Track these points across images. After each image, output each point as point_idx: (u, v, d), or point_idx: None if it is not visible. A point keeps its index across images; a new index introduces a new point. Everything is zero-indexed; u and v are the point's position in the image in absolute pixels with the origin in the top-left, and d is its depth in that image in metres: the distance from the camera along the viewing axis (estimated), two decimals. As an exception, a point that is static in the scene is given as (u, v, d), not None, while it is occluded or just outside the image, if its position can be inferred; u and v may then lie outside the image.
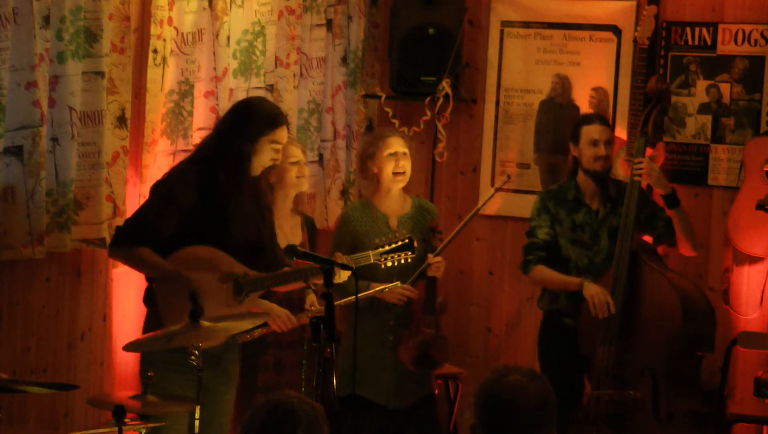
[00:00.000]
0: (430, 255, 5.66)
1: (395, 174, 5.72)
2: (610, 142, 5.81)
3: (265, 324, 5.20)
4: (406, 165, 5.74)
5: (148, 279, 4.91)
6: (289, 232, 5.40)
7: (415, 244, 5.23)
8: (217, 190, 4.84)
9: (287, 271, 4.98)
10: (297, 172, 5.52)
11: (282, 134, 4.96)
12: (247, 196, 4.92)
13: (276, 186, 5.48)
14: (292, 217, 5.57)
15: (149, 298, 4.88)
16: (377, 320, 5.73)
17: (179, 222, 4.79)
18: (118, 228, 4.99)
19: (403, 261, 5.22)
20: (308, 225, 5.62)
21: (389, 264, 5.22)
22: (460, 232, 5.93)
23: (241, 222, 4.88)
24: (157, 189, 4.89)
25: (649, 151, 5.81)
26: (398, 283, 5.66)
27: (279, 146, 4.95)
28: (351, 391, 5.68)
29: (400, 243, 5.19)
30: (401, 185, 5.77)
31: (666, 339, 5.53)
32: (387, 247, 5.17)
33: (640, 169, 5.65)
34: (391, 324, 5.73)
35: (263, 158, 4.92)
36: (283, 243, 5.31)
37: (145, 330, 4.90)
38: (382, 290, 5.61)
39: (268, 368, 5.45)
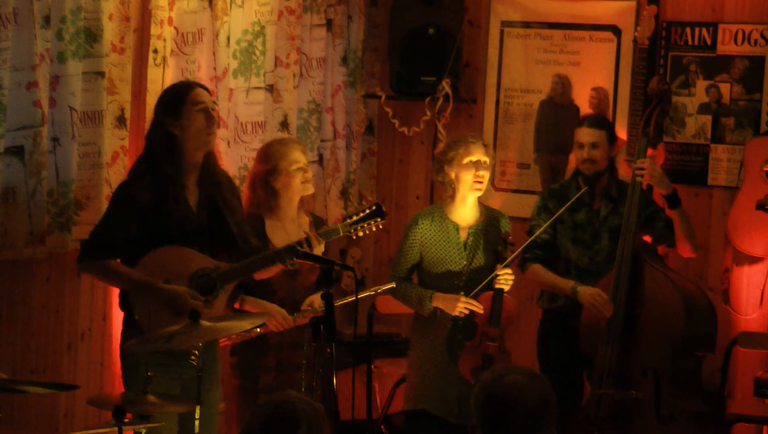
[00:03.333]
0: (498, 266, 5.54)
1: (474, 182, 5.62)
2: (597, 145, 5.73)
3: (263, 324, 5.20)
4: (486, 174, 5.62)
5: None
6: (294, 234, 5.38)
7: (384, 210, 5.09)
8: (166, 185, 4.78)
9: (259, 256, 4.91)
10: (302, 177, 5.49)
11: (200, 94, 4.87)
12: (191, 180, 4.87)
13: (280, 191, 5.46)
14: (300, 217, 5.55)
15: (125, 302, 4.86)
16: (445, 332, 5.67)
17: (142, 223, 4.75)
18: (83, 241, 4.91)
19: (374, 229, 5.08)
20: (317, 224, 5.60)
21: (360, 234, 5.09)
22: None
23: (187, 209, 4.83)
24: (114, 195, 4.86)
25: (650, 152, 5.81)
26: (392, 285, 5.64)
27: (204, 105, 4.85)
28: (419, 406, 5.66)
29: (368, 210, 5.05)
30: (478, 194, 5.66)
31: (668, 339, 5.53)
32: (355, 217, 5.04)
33: (642, 170, 5.63)
34: (459, 339, 5.65)
35: (196, 124, 4.81)
36: None
37: (124, 335, 4.86)
38: (376, 291, 5.59)
39: (270, 370, 5.43)
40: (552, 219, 5.72)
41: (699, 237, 6.10)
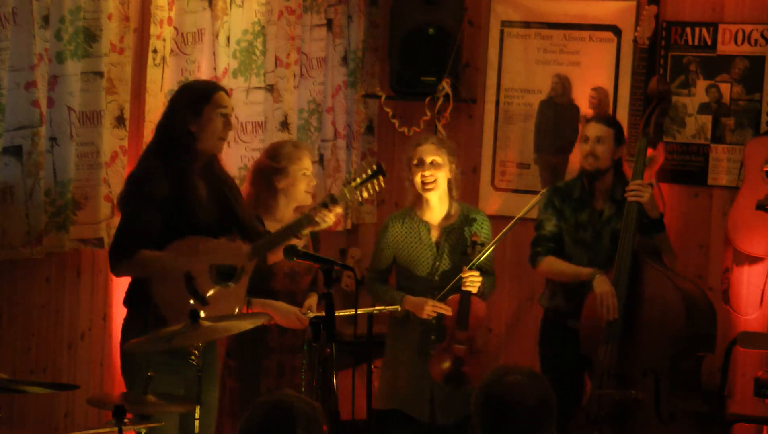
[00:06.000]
0: (464, 268, 5.52)
1: (423, 183, 5.61)
2: (602, 139, 5.73)
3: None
4: (435, 173, 5.59)
5: (133, 279, 4.89)
6: None
7: (384, 168, 5.07)
8: (175, 173, 4.81)
9: (277, 232, 5.01)
10: (306, 185, 5.48)
11: (224, 98, 4.91)
12: (197, 178, 4.87)
13: (281, 192, 5.47)
14: (295, 217, 5.55)
15: (133, 298, 4.87)
16: (417, 334, 5.65)
17: (163, 218, 4.76)
18: (110, 250, 4.86)
19: (377, 189, 5.06)
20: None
21: (365, 194, 5.05)
22: (497, 245, 5.78)
23: (202, 207, 4.85)
24: (130, 194, 4.83)
25: (650, 152, 5.80)
26: (398, 308, 5.63)
27: (226, 110, 4.90)
28: (390, 406, 5.66)
29: (369, 171, 5.05)
30: (430, 195, 5.63)
31: (668, 340, 5.53)
32: (359, 180, 5.04)
33: (634, 191, 5.60)
34: (432, 339, 5.63)
35: (214, 126, 4.86)
36: None
37: (125, 334, 4.84)
38: (380, 311, 5.59)
39: (271, 373, 5.44)
40: (514, 222, 5.75)
41: (699, 237, 6.11)
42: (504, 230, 5.76)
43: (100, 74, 5.29)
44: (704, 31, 6.50)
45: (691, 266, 6.40)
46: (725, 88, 6.47)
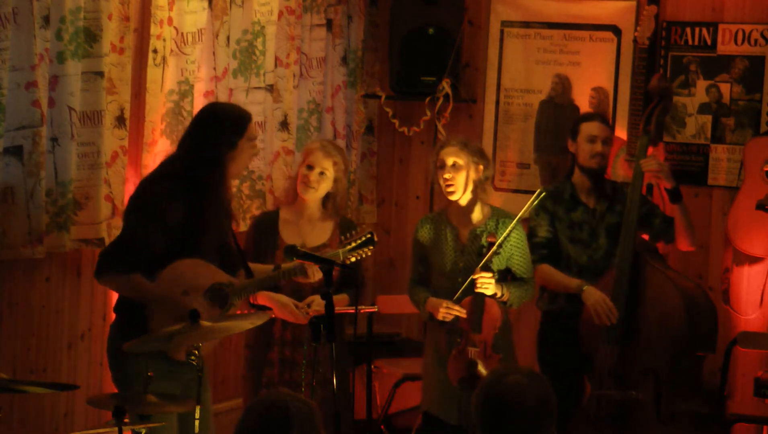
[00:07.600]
0: (477, 270, 5.42)
1: (444, 186, 5.53)
2: (607, 141, 5.78)
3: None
4: (455, 176, 5.49)
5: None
6: (310, 236, 5.37)
7: (375, 239, 5.19)
8: (199, 202, 4.72)
9: (269, 275, 4.99)
10: (302, 177, 5.46)
11: (255, 128, 4.92)
12: (222, 204, 4.84)
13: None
14: (324, 221, 5.51)
15: (124, 306, 4.83)
16: (444, 336, 5.64)
17: (170, 240, 4.68)
18: (103, 252, 4.80)
19: (364, 256, 5.17)
20: (346, 228, 5.44)
21: (352, 259, 5.14)
22: (502, 244, 5.75)
23: (216, 229, 4.83)
24: (141, 206, 4.71)
25: (650, 150, 5.80)
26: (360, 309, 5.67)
27: (255, 141, 4.92)
28: (425, 409, 5.65)
29: (364, 238, 5.14)
30: (451, 197, 5.53)
31: (668, 340, 5.52)
32: (354, 244, 5.14)
33: (651, 166, 5.62)
34: (457, 341, 5.62)
35: (244, 158, 4.85)
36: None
37: (117, 337, 4.74)
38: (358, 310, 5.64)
39: (273, 365, 5.45)
40: (513, 223, 5.63)
41: (699, 238, 6.10)
42: (506, 231, 5.72)
43: (101, 74, 5.29)
44: (704, 31, 6.50)
45: (691, 266, 6.40)
46: (725, 88, 6.48)
